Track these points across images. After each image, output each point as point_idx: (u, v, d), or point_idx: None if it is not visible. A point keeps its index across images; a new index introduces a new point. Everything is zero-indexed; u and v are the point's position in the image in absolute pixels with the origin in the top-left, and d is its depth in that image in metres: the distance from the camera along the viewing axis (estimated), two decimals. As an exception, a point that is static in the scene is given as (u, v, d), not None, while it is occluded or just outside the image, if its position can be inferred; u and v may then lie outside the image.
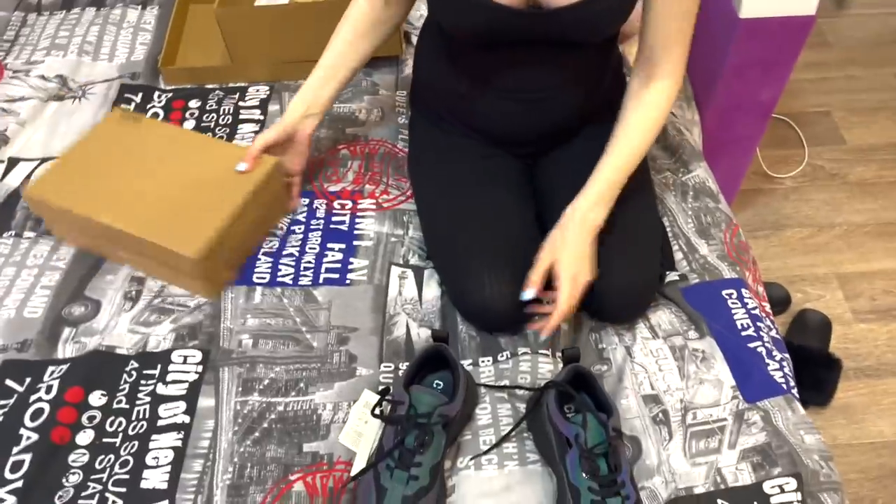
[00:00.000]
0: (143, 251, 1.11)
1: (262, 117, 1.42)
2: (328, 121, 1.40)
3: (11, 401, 1.02)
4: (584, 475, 0.86)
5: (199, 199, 1.13)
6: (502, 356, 1.06)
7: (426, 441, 0.86)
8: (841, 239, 1.85)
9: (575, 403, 0.92)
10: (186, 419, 0.99)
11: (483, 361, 1.06)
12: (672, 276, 1.16)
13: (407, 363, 1.05)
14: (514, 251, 1.08)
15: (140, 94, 1.46)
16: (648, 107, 1.07)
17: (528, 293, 1.02)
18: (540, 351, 1.06)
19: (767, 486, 0.93)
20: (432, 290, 1.15)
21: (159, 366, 1.05)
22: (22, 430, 0.99)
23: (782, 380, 1.05)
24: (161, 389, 1.02)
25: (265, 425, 1.00)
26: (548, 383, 0.94)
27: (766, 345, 1.09)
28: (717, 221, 1.23)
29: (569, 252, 1.03)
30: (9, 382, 1.04)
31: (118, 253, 1.16)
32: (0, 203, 1.28)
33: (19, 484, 0.94)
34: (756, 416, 0.99)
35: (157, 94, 1.47)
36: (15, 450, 0.97)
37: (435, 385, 0.99)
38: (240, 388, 1.03)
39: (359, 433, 0.97)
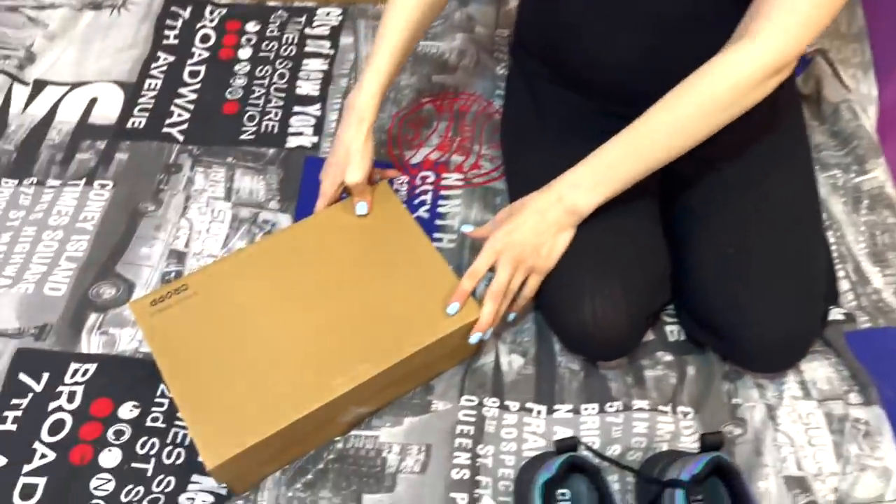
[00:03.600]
0: (413, 364, 0.81)
1: (331, 51, 1.17)
2: (411, 64, 1.15)
3: (26, 401, 0.86)
4: None
5: (403, 279, 0.85)
6: (611, 407, 0.86)
7: None
8: None
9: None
10: (228, 457, 0.83)
11: (586, 409, 0.86)
12: (835, 314, 0.92)
13: (495, 399, 0.86)
14: (629, 259, 0.85)
15: (189, 9, 1.22)
16: (713, 73, 0.74)
17: (452, 307, 0.82)
18: (659, 407, 0.86)
19: None
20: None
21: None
22: (37, 445, 0.83)
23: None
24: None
25: (321, 466, 0.83)
26: (676, 481, 0.73)
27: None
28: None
29: (517, 223, 0.81)
30: (23, 378, 0.88)
31: (349, 413, 0.83)
32: (22, 139, 1.08)
33: (31, 516, 0.80)
34: (933, 523, 0.78)
35: (208, 9, 1.22)
36: (27, 468, 0.82)
37: (560, 496, 0.78)
38: (293, 418, 0.85)
39: None
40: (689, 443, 0.84)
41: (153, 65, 1.17)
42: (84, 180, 1.04)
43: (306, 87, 1.14)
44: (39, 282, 0.95)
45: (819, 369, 0.88)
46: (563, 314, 0.85)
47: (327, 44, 1.18)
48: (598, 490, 0.76)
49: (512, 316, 0.87)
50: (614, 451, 0.83)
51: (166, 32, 1.20)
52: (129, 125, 1.10)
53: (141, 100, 1.13)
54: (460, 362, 0.89)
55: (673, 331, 0.92)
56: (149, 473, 0.82)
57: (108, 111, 1.11)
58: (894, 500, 0.80)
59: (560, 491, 0.78)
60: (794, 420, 0.85)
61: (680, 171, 0.92)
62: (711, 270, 0.86)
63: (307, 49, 1.17)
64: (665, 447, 0.83)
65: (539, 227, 0.81)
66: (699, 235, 0.88)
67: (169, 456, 0.83)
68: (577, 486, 0.78)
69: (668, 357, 0.90)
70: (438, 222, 1.00)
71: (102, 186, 1.04)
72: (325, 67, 1.15)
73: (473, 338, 0.83)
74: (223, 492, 0.81)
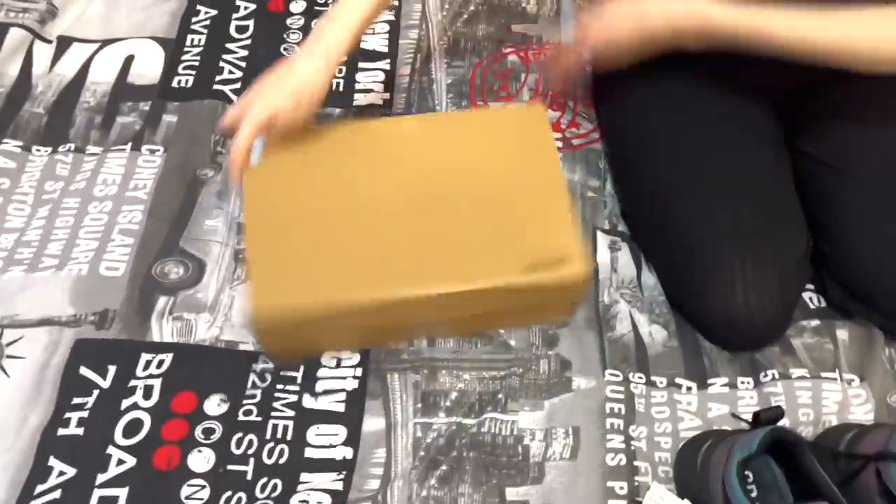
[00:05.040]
0: (491, 301, 0.72)
1: (395, 1, 1.05)
2: (485, 13, 1.04)
3: (91, 400, 0.72)
4: None
5: (505, 194, 0.74)
6: (766, 377, 0.77)
7: None
8: None
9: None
10: (348, 453, 0.70)
11: (742, 383, 0.77)
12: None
13: (640, 375, 0.76)
14: (776, 237, 0.76)
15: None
16: None
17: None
18: (823, 374, 0.77)
19: None
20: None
21: (302, 367, 0.75)
22: (112, 450, 0.70)
23: None
24: (309, 402, 0.73)
25: (454, 454, 0.71)
26: (887, 453, 0.63)
27: None
28: None
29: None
30: (86, 372, 0.74)
31: (409, 324, 0.76)
32: (52, 102, 0.94)
33: (115, 534, 0.66)
34: None
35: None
36: (102, 478, 0.68)
37: (748, 478, 0.68)
38: (419, 405, 0.73)
39: None
40: (861, 413, 0.75)
41: (194, 19, 1.03)
42: (130, 145, 0.90)
43: (372, 42, 1.01)
44: (93, 261, 0.81)
45: (983, 327, 0.80)
46: (707, 305, 0.75)
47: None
48: (792, 470, 0.66)
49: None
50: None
51: (203, -16, 1.06)
52: (174, 84, 0.96)
53: (185, 57, 0.99)
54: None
55: (812, 297, 0.83)
56: (249, 476, 0.69)
57: (148, 70, 0.97)
58: None
59: (745, 472, 0.68)
60: (967, 383, 0.77)
61: (806, 121, 0.83)
62: (866, 235, 0.76)
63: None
64: (834, 420, 0.74)
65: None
66: (842, 195, 0.79)
67: (270, 454, 0.71)
68: (760, 465, 0.68)
69: (815, 323, 0.81)
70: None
71: (152, 152, 0.90)
72: (391, 18, 1.03)
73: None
74: (339, 486, 0.69)
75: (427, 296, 0.69)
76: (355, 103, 0.96)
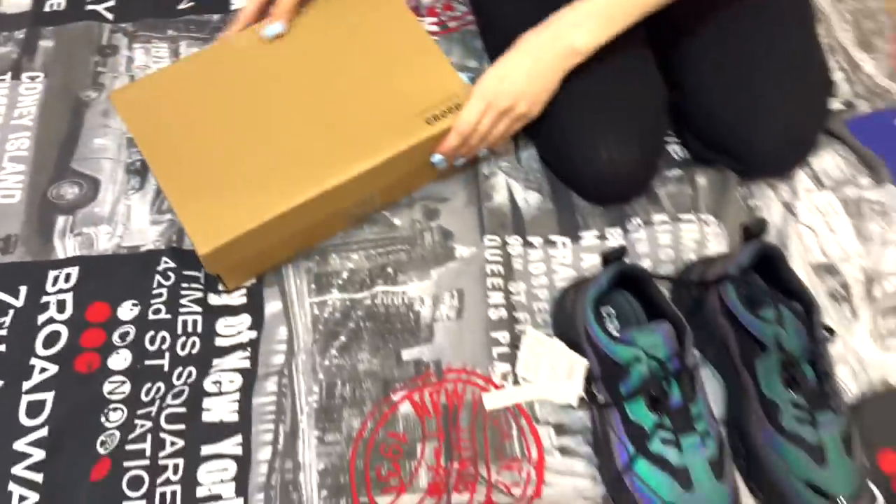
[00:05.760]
0: (407, 159, 0.77)
1: None
2: None
3: (7, 319, 0.77)
4: (783, 388, 0.68)
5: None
6: (631, 224, 0.84)
7: (693, 387, 0.66)
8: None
9: (764, 294, 0.72)
10: (253, 335, 0.77)
11: (611, 233, 0.84)
12: (835, 105, 0.91)
13: (517, 237, 0.83)
14: (632, 95, 0.82)
15: None
16: None
17: (436, 158, 0.79)
18: (681, 216, 0.84)
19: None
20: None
21: (203, 268, 0.80)
22: (34, 360, 0.75)
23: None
24: (214, 299, 0.78)
25: (351, 325, 0.78)
26: (723, 276, 0.72)
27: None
28: (880, 28, 0.96)
29: (509, 66, 0.75)
30: (-1, 295, 0.79)
31: (346, 206, 0.79)
32: (-76, 37, 0.94)
33: (44, 432, 0.72)
34: (955, 282, 0.81)
35: None
36: (26, 385, 0.74)
37: (607, 315, 0.77)
38: (313, 286, 0.80)
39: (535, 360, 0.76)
40: (717, 248, 0.83)
41: (56, -62, 1.01)
42: (10, 75, 0.91)
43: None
44: (-12, 190, 0.84)
45: (827, 159, 0.88)
46: (576, 163, 0.82)
47: None
48: (645, 301, 0.74)
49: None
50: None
51: None
52: (46, 9, 0.96)
53: (53, -22, 0.98)
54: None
55: (676, 150, 0.89)
56: (165, 368, 0.76)
57: (17, -4, 0.97)
58: (916, 269, 0.82)
59: (604, 308, 0.77)
60: (812, 211, 0.85)
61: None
62: (711, 86, 0.82)
63: None
64: (693, 256, 0.83)
65: (533, 72, 0.75)
66: (694, 53, 0.84)
67: (183, 347, 0.77)
68: (620, 301, 0.77)
69: (677, 172, 0.88)
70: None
71: (32, 79, 0.91)
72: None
73: (434, 158, 0.79)
74: (247, 364, 0.76)
75: (352, 176, 0.73)
76: (232, 7, 0.97)
